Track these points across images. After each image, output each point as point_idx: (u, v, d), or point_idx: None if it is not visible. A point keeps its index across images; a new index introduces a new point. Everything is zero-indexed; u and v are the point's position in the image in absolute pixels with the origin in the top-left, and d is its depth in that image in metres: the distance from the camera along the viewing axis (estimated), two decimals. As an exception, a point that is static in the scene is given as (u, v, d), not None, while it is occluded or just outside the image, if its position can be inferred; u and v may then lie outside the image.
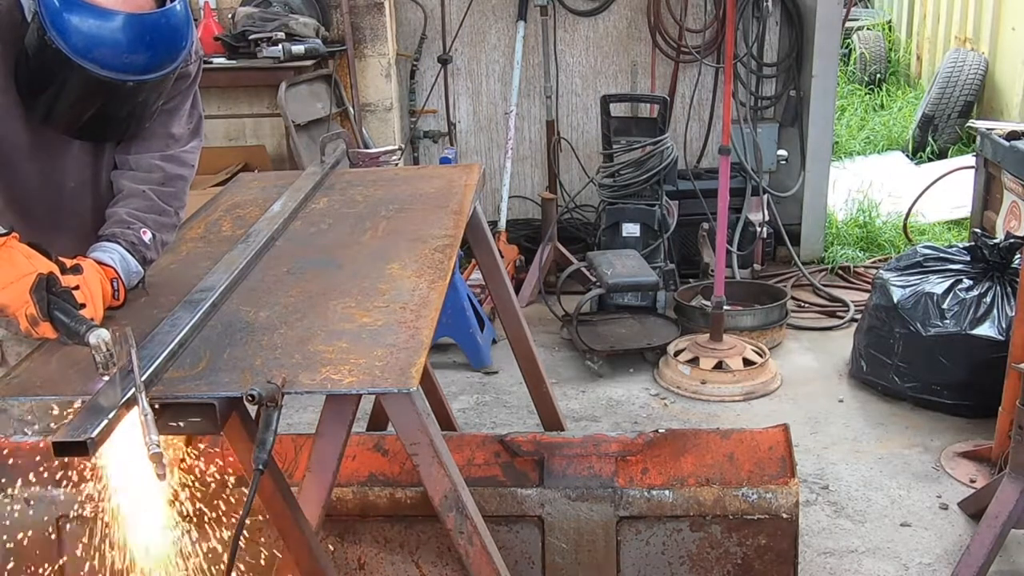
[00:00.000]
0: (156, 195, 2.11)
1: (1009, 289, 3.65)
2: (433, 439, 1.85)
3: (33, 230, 1.94)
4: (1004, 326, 3.54)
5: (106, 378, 1.62)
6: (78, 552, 2.44)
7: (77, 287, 1.80)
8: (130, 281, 1.99)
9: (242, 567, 2.21)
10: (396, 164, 3.41)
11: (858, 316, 4.42)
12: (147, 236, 2.04)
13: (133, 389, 1.55)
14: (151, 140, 2.14)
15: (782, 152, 5.27)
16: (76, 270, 1.83)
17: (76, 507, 2.44)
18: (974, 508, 3.02)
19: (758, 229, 5.11)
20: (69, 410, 1.62)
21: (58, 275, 1.77)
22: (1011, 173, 4.49)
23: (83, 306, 1.78)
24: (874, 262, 5.40)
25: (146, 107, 2.00)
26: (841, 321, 4.66)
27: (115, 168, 2.16)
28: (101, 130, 2.03)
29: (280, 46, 4.47)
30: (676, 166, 4.79)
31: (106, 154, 2.15)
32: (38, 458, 2.41)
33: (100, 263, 1.92)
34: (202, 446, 2.18)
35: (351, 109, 4.98)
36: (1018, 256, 3.64)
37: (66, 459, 1.68)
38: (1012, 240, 3.73)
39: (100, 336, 1.63)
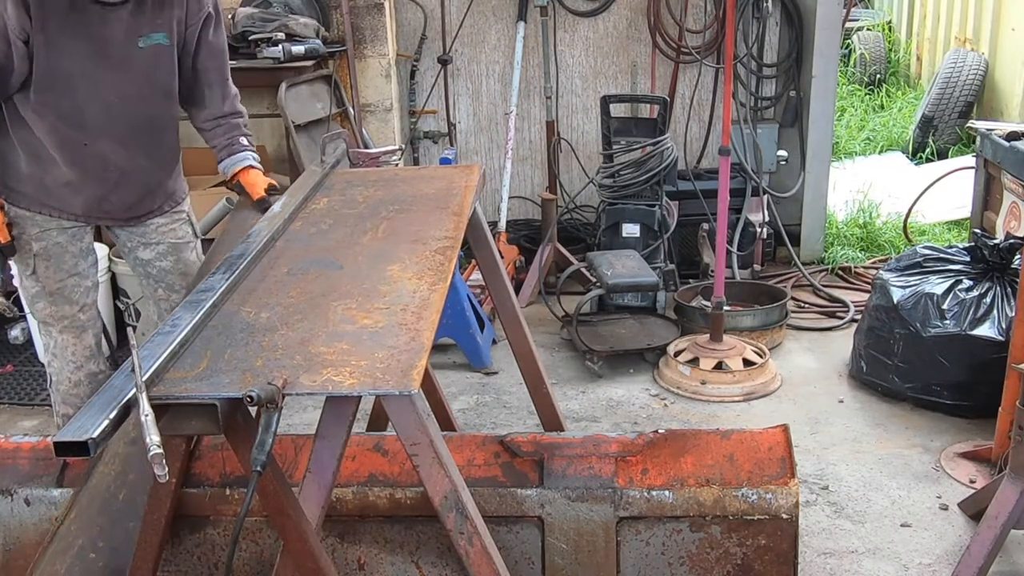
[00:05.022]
0: (230, 131, 3.10)
1: (1009, 289, 3.65)
2: (433, 440, 1.85)
3: (89, 135, 2.84)
4: (1004, 326, 3.54)
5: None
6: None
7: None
8: (255, 157, 3.12)
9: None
10: (396, 164, 3.41)
11: (858, 316, 4.43)
12: (244, 140, 3.10)
13: (134, 389, 1.55)
14: (213, 105, 3.08)
15: (782, 152, 5.28)
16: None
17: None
18: (974, 509, 3.02)
19: (758, 229, 5.11)
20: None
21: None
22: (1011, 174, 4.49)
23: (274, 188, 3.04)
24: (874, 262, 5.40)
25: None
26: (841, 321, 4.67)
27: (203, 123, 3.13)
28: None
29: (280, 46, 4.47)
30: (676, 166, 4.80)
31: (143, 80, 2.86)
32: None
33: (249, 167, 3.07)
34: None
35: (351, 109, 4.98)
36: (1018, 256, 3.64)
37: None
38: (1012, 240, 3.73)
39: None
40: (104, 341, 3.24)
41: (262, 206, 2.91)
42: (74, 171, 2.89)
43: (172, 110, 3.00)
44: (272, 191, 3.01)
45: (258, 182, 3.04)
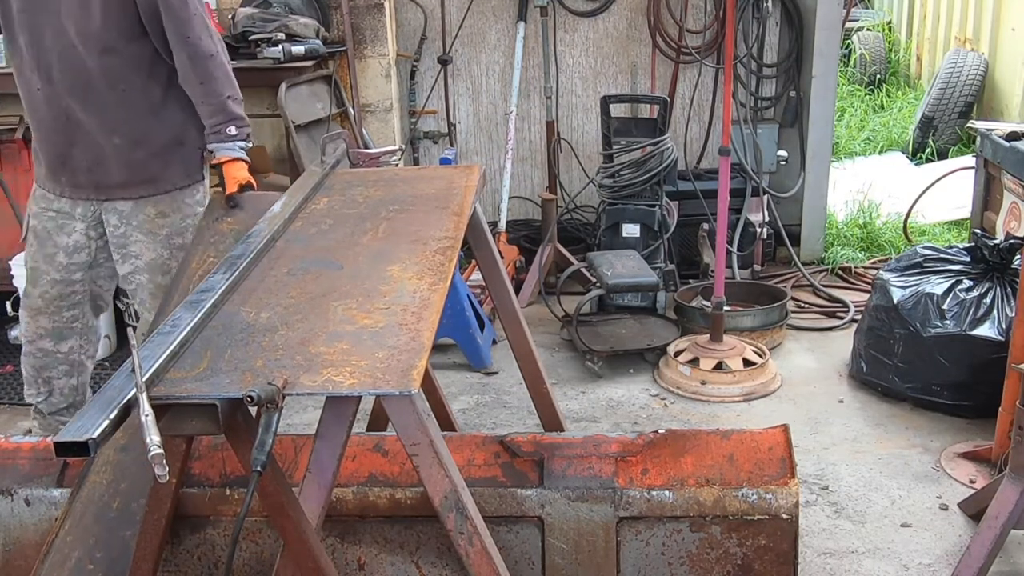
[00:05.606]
0: (209, 97, 2.96)
1: (1009, 290, 3.65)
2: (433, 440, 1.85)
3: (36, 77, 2.90)
4: (1004, 326, 3.54)
5: None
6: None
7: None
8: (246, 147, 3.03)
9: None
10: (396, 164, 3.41)
11: (858, 317, 4.43)
12: (232, 130, 2.98)
13: (134, 389, 1.55)
14: (182, 68, 2.93)
15: (782, 153, 5.28)
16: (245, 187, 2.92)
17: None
18: (974, 509, 3.03)
19: (758, 230, 5.11)
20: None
21: None
22: (1011, 174, 4.49)
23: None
24: (874, 263, 5.40)
25: None
26: (841, 322, 4.67)
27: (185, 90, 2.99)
28: None
29: (280, 47, 4.47)
30: (676, 167, 4.80)
31: (73, 29, 2.83)
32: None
33: (234, 159, 2.97)
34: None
35: (351, 109, 4.98)
36: (1018, 257, 3.64)
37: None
38: (1012, 241, 3.73)
39: None
40: (84, 345, 3.31)
41: (230, 202, 2.86)
42: (35, 122, 3.01)
43: (116, 67, 2.92)
44: (245, 190, 2.94)
45: (237, 176, 2.98)
